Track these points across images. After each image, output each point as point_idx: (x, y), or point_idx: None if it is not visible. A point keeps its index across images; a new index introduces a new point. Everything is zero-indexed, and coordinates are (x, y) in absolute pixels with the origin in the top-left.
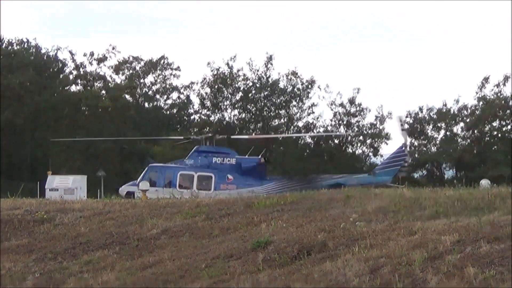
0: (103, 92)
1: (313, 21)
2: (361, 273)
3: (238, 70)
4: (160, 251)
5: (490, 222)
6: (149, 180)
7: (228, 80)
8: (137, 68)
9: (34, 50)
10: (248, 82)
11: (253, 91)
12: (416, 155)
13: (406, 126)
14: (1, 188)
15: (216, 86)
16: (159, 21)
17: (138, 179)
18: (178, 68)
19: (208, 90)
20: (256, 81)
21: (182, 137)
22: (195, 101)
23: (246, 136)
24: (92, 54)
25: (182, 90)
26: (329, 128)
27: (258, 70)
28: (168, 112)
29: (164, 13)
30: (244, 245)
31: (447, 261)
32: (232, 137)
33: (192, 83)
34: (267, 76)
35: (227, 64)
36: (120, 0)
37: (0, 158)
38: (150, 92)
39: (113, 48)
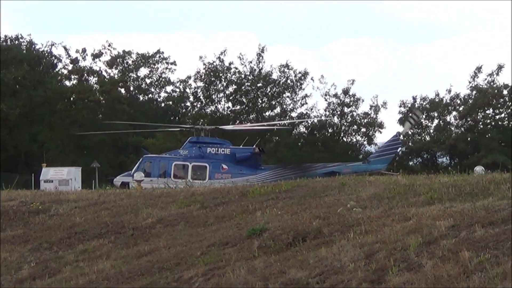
0: (96, 86)
1: (306, 18)
2: (356, 258)
3: (230, 64)
4: (156, 239)
5: (484, 207)
6: (144, 171)
7: (220, 73)
8: (130, 62)
9: (28, 45)
10: (240, 75)
11: (246, 83)
12: (410, 144)
13: (414, 119)
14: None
15: (208, 80)
16: (156, 18)
17: (133, 170)
18: (174, 63)
19: (201, 83)
20: (248, 73)
21: (178, 127)
22: (190, 94)
23: (231, 127)
24: (84, 50)
25: (178, 84)
26: (322, 118)
27: (251, 62)
28: (163, 105)
29: (162, 10)
30: (239, 233)
31: (442, 246)
32: (224, 127)
33: (189, 77)
34: (260, 68)
35: (219, 58)
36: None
37: (0, 151)
38: (143, 85)
39: (109, 45)
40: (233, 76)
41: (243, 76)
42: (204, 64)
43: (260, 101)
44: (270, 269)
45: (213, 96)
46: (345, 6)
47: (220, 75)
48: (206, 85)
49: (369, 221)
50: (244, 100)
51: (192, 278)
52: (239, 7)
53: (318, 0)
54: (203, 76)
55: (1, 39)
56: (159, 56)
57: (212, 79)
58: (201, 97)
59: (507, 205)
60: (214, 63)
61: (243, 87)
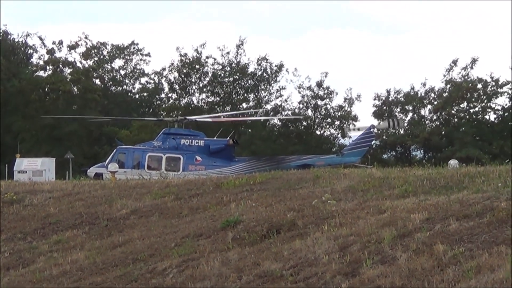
0: (70, 76)
1: (280, 9)
2: (330, 250)
3: (207, 57)
4: (130, 230)
5: (459, 200)
6: (118, 162)
7: (195, 65)
8: (105, 53)
9: (3, 35)
10: (218, 66)
11: (222, 75)
12: (385, 137)
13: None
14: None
15: (184, 71)
16: (133, 8)
17: (107, 161)
18: (148, 54)
19: (176, 74)
20: (226, 64)
21: (152, 119)
22: (165, 85)
23: (210, 120)
24: (61, 42)
25: (152, 76)
26: (296, 111)
27: (228, 53)
28: (137, 96)
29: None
30: (214, 224)
31: (416, 239)
32: (198, 119)
33: (163, 69)
34: (238, 60)
35: (196, 50)
36: None
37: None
38: (118, 77)
39: (86, 37)
40: (208, 67)
41: (220, 67)
42: (181, 55)
43: (236, 93)
44: (244, 261)
45: (188, 88)
46: None
47: (197, 66)
48: (182, 77)
49: (344, 214)
50: (220, 91)
51: (166, 269)
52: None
53: None
54: (178, 67)
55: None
56: (134, 48)
57: (188, 70)
58: (177, 88)
59: (482, 199)
60: (188, 55)
61: (219, 78)
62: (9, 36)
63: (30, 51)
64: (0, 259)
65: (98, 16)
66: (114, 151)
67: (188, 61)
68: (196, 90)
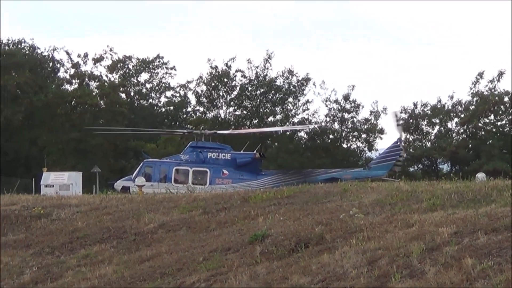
0: (96, 90)
1: (307, 20)
2: (358, 264)
3: (237, 71)
4: (158, 245)
5: (487, 213)
6: (144, 175)
7: (224, 78)
8: (130, 67)
9: (29, 50)
10: (245, 80)
11: (250, 88)
12: (411, 150)
13: (401, 121)
14: (1, 185)
15: (212, 84)
16: (157, 21)
17: (134, 175)
18: (173, 68)
19: (204, 87)
20: (253, 78)
21: (179, 131)
22: (191, 98)
23: (235, 131)
24: (86, 55)
25: (178, 89)
26: (323, 124)
27: (257, 67)
28: (163, 110)
29: (162, 13)
30: (242, 238)
31: (445, 253)
32: (222, 132)
33: (189, 82)
34: (265, 74)
35: (226, 64)
36: (118, 0)
37: (0, 156)
38: (144, 91)
39: (111, 50)
40: (236, 80)
41: (248, 81)
42: (211, 67)
43: (263, 107)
44: (273, 275)
45: (216, 101)
46: (343, 8)
47: (225, 80)
48: (210, 89)
49: (372, 228)
50: (247, 104)
51: (194, 284)
52: (232, 8)
53: (315, 0)
54: (206, 80)
55: (1, 43)
56: (159, 61)
57: (216, 83)
58: (204, 101)
59: (510, 212)
60: (219, 68)
61: (246, 92)
62: (36, 50)
63: (58, 65)
64: (28, 274)
65: (122, 28)
66: (141, 164)
67: (217, 74)
68: (223, 103)
